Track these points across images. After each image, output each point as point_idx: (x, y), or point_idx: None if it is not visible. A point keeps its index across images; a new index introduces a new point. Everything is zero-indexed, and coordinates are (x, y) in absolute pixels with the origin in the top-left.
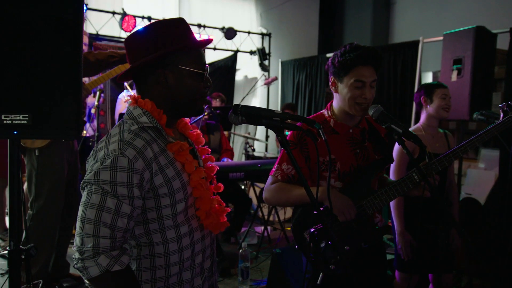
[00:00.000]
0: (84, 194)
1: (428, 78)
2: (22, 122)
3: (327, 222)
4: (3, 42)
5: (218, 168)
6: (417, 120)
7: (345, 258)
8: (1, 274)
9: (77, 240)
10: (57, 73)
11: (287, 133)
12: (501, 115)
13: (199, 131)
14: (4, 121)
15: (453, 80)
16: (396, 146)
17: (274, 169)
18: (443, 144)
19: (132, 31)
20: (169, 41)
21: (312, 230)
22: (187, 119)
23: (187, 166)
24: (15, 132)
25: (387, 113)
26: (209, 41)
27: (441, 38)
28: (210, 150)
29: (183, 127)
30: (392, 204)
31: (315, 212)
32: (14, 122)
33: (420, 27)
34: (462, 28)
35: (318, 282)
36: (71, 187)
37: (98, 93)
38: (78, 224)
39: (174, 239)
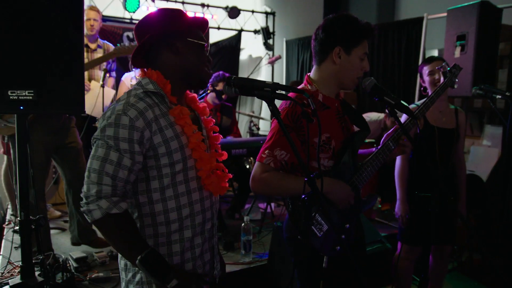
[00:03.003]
0: (93, 148)
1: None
2: (28, 97)
3: (317, 189)
4: (8, 21)
5: (222, 137)
6: (421, 97)
7: (349, 236)
8: (15, 247)
9: (84, 187)
10: (60, 50)
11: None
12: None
13: (205, 104)
14: (11, 97)
15: (456, 57)
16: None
17: (263, 155)
18: (451, 119)
19: (144, 16)
20: (175, 20)
21: (303, 196)
22: (194, 94)
23: (186, 128)
24: (21, 108)
25: (380, 85)
26: (206, 20)
27: (446, 14)
28: (214, 120)
29: (190, 100)
30: (396, 172)
31: (303, 196)
32: (20, 97)
33: (426, 4)
34: (466, 4)
35: (324, 266)
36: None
37: (103, 73)
38: (86, 173)
39: (172, 197)
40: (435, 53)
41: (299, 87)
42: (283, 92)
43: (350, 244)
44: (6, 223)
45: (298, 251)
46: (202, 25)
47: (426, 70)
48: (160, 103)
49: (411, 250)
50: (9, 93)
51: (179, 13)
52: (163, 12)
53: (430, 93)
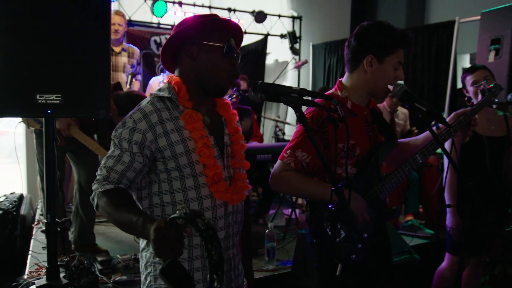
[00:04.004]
0: None
1: (465, 60)
2: (55, 101)
3: (344, 199)
4: (36, 25)
5: (246, 146)
6: (451, 103)
7: (366, 246)
8: (43, 247)
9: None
10: (87, 55)
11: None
12: None
13: (235, 112)
14: (39, 101)
15: (490, 61)
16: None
17: (285, 155)
18: (500, 126)
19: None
20: (196, 23)
21: (330, 206)
22: (228, 101)
23: (194, 133)
24: (49, 111)
25: (410, 92)
26: (230, 22)
27: (479, 17)
28: (240, 128)
29: (221, 105)
30: (446, 182)
31: (330, 206)
32: (48, 101)
33: (457, 7)
34: (501, 6)
35: (337, 273)
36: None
37: (130, 77)
38: None
39: (181, 202)
40: (467, 57)
41: (329, 92)
42: (310, 98)
43: (368, 254)
44: (35, 222)
45: (319, 256)
46: (227, 27)
47: (469, 80)
48: (172, 107)
49: (457, 262)
50: (38, 97)
51: (202, 16)
52: (191, 17)
53: (475, 103)
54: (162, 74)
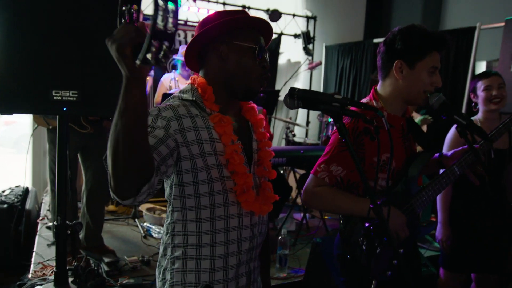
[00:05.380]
0: None
1: (481, 67)
2: (72, 98)
3: (383, 217)
4: (54, 21)
5: (274, 154)
6: (468, 111)
7: (402, 262)
8: (48, 245)
9: None
10: (103, 53)
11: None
12: None
13: (262, 116)
14: (55, 97)
15: None
16: (449, 136)
17: (318, 169)
18: (503, 139)
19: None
20: (226, 21)
21: (367, 225)
22: (254, 104)
23: (223, 137)
24: (65, 109)
25: (449, 102)
26: (263, 21)
27: (501, 24)
28: (268, 135)
29: (247, 109)
30: (440, 195)
31: (366, 225)
32: (64, 98)
33: (475, 13)
34: None
35: None
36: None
37: None
38: None
39: (207, 206)
40: (483, 64)
41: (363, 100)
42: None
43: (404, 270)
44: (41, 218)
45: (349, 270)
46: (258, 26)
47: (481, 85)
48: (197, 110)
49: (453, 277)
50: (53, 93)
51: (230, 13)
52: (219, 13)
53: (481, 109)
54: (173, 71)
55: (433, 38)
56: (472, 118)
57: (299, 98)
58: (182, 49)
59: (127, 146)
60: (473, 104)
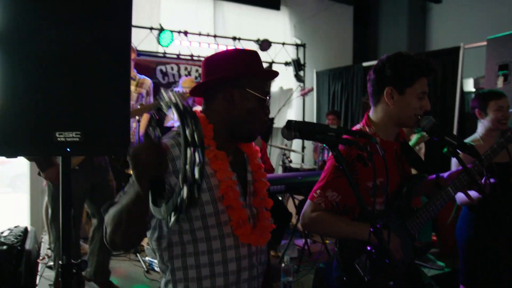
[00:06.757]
0: None
1: (469, 84)
2: (75, 139)
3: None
4: (56, 62)
5: (269, 184)
6: (460, 128)
7: (398, 284)
8: (50, 285)
9: None
10: (106, 91)
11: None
12: None
13: (258, 148)
14: (58, 138)
15: (499, 86)
16: (454, 159)
17: (314, 195)
18: (504, 154)
19: (218, 52)
20: (242, 66)
21: (369, 248)
22: None
23: (218, 173)
24: (68, 149)
25: (439, 124)
26: (276, 73)
27: (484, 43)
28: (263, 166)
29: (244, 144)
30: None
31: (368, 248)
32: (67, 139)
33: (458, 33)
34: (508, 32)
35: None
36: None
37: (139, 107)
38: None
39: (203, 240)
40: (471, 81)
41: (356, 127)
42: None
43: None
44: (41, 258)
45: None
46: (270, 76)
47: (494, 104)
48: None
49: None
50: (57, 135)
51: (246, 58)
52: (233, 53)
53: (486, 127)
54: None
55: (420, 66)
56: (473, 136)
57: (295, 129)
58: (182, 80)
59: (128, 227)
60: (480, 121)
